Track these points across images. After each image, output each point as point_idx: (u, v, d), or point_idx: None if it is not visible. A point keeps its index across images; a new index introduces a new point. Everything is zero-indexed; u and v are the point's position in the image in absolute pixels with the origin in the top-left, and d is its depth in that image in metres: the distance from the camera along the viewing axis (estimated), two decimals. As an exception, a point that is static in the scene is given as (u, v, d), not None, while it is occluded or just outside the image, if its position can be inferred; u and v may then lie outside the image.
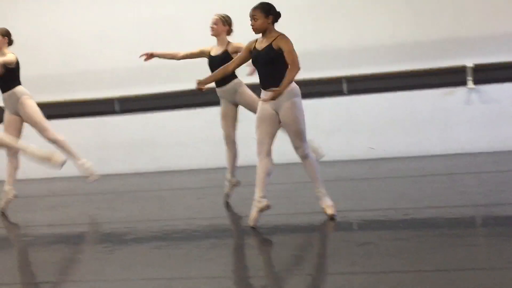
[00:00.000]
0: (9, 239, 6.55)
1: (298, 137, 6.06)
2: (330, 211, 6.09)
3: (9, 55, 7.63)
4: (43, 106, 11.31)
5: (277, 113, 6.00)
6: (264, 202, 5.93)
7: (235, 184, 7.45)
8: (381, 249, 4.99)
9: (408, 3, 10.32)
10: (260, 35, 6.04)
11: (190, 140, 11.00)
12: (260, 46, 5.99)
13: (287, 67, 5.96)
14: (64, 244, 5.99)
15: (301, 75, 10.41)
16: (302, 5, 10.58)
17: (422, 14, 10.28)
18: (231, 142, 7.41)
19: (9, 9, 11.58)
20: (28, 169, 11.41)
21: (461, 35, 10.16)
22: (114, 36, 11.08)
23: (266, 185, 5.98)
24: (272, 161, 6.08)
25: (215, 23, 7.25)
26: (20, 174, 10.85)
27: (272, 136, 6.09)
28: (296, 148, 6.13)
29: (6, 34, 7.77)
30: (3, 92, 7.82)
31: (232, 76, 7.05)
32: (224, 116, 7.43)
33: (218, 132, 10.78)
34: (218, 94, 7.44)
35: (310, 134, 10.44)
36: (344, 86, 10.50)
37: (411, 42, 10.30)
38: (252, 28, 5.99)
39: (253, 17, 5.97)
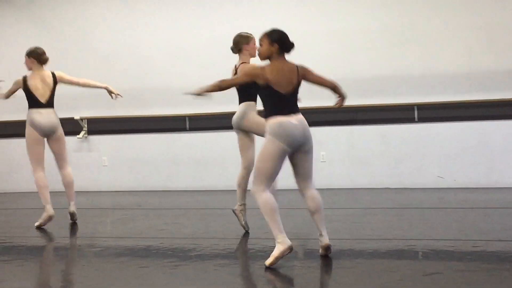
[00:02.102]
0: (78, 249, 6.69)
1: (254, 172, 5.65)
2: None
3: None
4: (116, 120, 11.63)
5: None
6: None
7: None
8: (448, 280, 4.89)
9: (484, 31, 10.19)
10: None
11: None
12: None
13: (269, 102, 5.60)
14: (130, 257, 6.07)
15: (371, 101, 10.45)
16: (375, 29, 10.56)
17: (498, 43, 10.13)
18: None
19: (89, 27, 11.92)
20: (100, 182, 11.70)
21: (537, 65, 10.00)
22: (188, 54, 11.28)
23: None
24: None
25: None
26: (93, 187, 11.16)
27: None
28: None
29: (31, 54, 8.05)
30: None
31: None
32: None
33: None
34: None
35: (380, 161, 10.46)
36: (415, 113, 10.40)
37: (485, 71, 10.15)
38: (258, 54, 5.77)
39: (259, 42, 5.71)
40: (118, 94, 8.11)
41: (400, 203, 8.85)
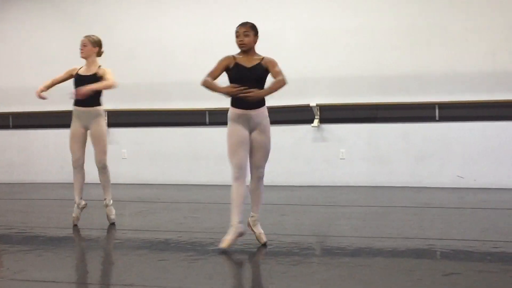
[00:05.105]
0: (98, 241, 6.72)
1: (265, 158, 6.09)
2: (263, 239, 6.12)
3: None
4: (137, 114, 11.66)
5: (249, 133, 5.97)
6: (241, 229, 5.95)
7: (84, 207, 7.47)
8: (468, 281, 4.86)
9: (508, 31, 10.12)
10: (235, 52, 6.07)
11: (277, 156, 11.02)
12: (247, 63, 5.95)
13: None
14: (149, 250, 6.09)
15: (393, 98, 10.40)
16: (399, 27, 10.51)
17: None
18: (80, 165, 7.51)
19: (111, 21, 11.96)
20: (119, 174, 11.75)
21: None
22: (210, 49, 11.26)
23: (242, 210, 5.96)
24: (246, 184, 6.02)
25: (84, 44, 7.36)
26: (112, 179, 11.21)
27: (248, 160, 6.03)
28: (258, 167, 6.09)
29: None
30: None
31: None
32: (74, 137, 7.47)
33: (305, 150, 10.86)
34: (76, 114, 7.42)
35: (400, 159, 10.41)
36: (437, 112, 10.34)
37: (509, 71, 10.09)
38: (241, 43, 5.96)
39: (244, 33, 5.94)
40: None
41: (420, 202, 8.80)
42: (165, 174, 11.51)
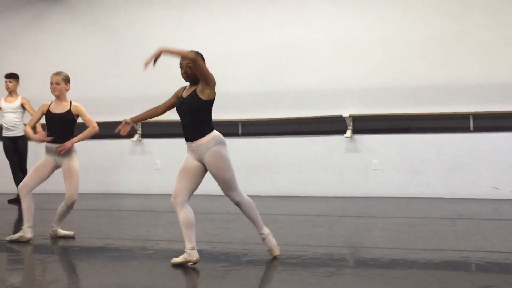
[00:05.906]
0: (131, 251, 6.75)
1: (226, 185, 5.99)
2: (276, 252, 6.04)
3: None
4: (170, 124, 11.71)
5: (202, 164, 5.92)
6: (194, 257, 5.78)
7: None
8: (504, 293, 4.81)
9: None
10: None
11: (309, 167, 11.05)
12: (185, 94, 5.91)
13: (210, 117, 5.92)
14: (183, 260, 6.09)
15: (426, 109, 10.33)
16: (431, 37, 10.46)
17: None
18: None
19: (144, 30, 12.05)
20: (152, 185, 11.81)
21: None
22: (242, 59, 11.33)
23: (192, 236, 5.83)
24: (190, 209, 5.92)
25: (57, 82, 7.42)
26: (145, 190, 11.25)
27: (191, 188, 5.99)
28: (226, 195, 6.07)
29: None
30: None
31: None
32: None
33: (338, 161, 10.82)
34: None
35: (433, 170, 10.32)
36: (471, 123, 10.25)
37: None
38: (184, 76, 5.87)
39: (186, 64, 5.82)
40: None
41: (453, 214, 8.72)
42: (198, 184, 11.52)
